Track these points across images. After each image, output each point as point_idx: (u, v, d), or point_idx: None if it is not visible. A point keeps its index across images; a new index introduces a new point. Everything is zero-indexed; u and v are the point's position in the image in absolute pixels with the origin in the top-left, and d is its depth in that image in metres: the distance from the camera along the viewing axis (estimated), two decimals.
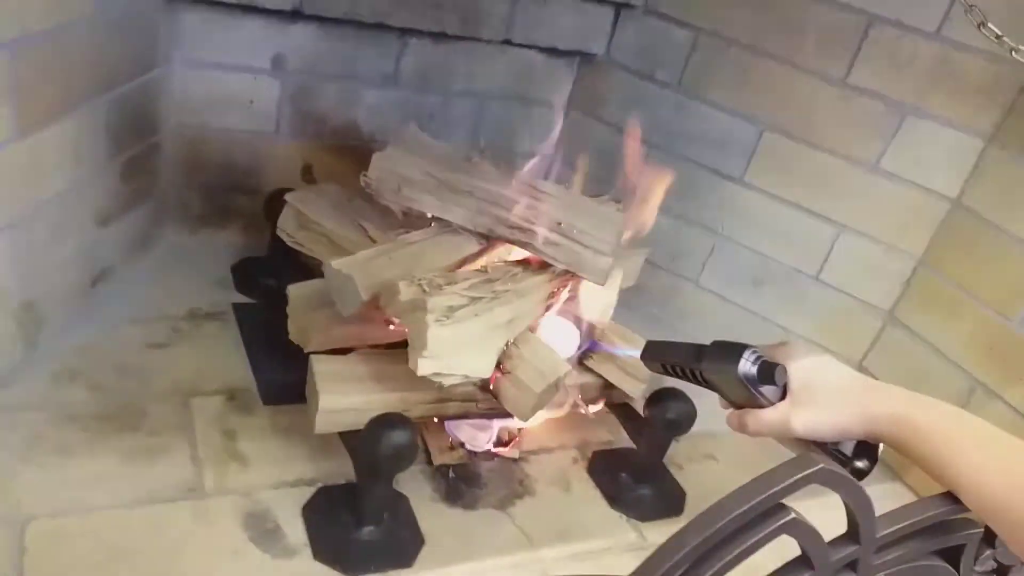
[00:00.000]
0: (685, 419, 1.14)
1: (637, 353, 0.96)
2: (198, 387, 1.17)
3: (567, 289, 1.14)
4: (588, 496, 1.19)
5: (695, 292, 1.62)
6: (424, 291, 0.97)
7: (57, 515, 0.93)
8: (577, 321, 1.17)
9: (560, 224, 1.07)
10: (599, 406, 1.22)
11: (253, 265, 1.45)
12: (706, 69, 1.49)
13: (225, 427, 1.12)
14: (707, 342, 0.80)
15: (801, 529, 0.66)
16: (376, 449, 0.92)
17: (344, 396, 1.01)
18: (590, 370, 1.20)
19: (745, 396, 0.84)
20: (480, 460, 1.18)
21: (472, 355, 0.98)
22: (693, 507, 1.20)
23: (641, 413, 1.23)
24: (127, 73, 1.18)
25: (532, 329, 1.11)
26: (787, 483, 0.63)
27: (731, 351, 0.84)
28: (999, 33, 1.09)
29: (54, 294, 1.14)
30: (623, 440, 1.29)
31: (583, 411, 1.23)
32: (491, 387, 1.07)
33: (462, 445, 1.17)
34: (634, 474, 1.20)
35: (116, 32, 1.12)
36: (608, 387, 1.21)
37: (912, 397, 0.73)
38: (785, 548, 0.61)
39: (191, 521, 0.97)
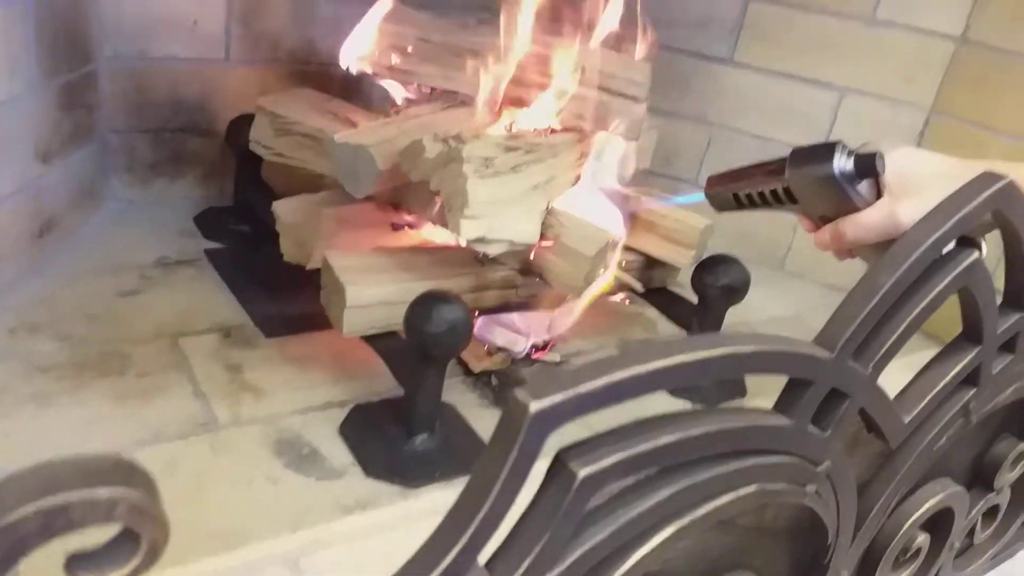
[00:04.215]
0: (741, 284, 1.04)
1: (698, 196, 0.86)
2: (185, 328, 1.00)
3: (596, 152, 1.03)
4: None
5: (694, 191, 1.52)
6: (451, 147, 0.83)
7: None
8: (609, 193, 1.05)
9: (584, 71, 0.95)
10: (637, 290, 1.10)
11: (219, 213, 1.28)
12: None
13: (228, 362, 0.95)
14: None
15: (981, 276, 0.56)
16: (426, 328, 0.78)
17: (372, 287, 0.86)
18: (628, 248, 1.08)
19: (838, 202, 0.76)
20: (520, 366, 1.04)
21: (516, 216, 0.85)
22: (755, 388, 1.09)
23: (682, 293, 1.12)
24: None
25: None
26: (976, 203, 0.54)
27: (818, 151, 0.77)
28: None
29: None
30: (662, 336, 1.18)
31: (620, 298, 1.11)
32: (532, 264, 0.94)
33: (500, 350, 1.04)
34: None
35: None
36: (649, 267, 1.10)
37: (1018, 164, 0.68)
38: None
39: (211, 455, 0.81)
